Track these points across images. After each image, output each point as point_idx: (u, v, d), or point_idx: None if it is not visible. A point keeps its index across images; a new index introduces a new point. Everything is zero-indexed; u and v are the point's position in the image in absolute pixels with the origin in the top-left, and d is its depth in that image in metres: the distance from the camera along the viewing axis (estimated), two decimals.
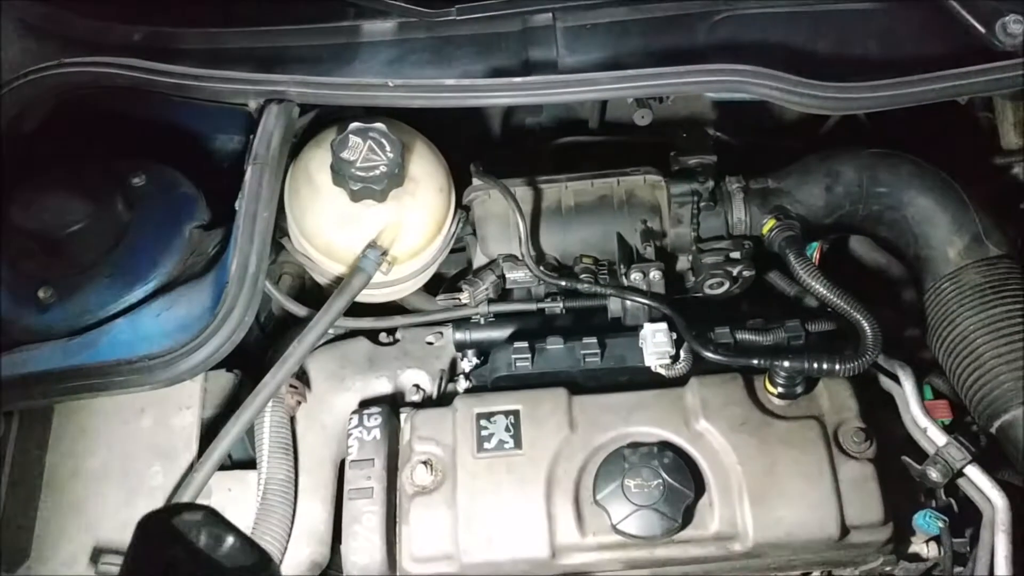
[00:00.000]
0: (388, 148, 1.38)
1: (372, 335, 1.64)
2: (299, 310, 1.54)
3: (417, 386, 1.61)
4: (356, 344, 1.63)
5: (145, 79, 1.47)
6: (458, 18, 1.45)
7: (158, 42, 1.52)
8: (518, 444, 1.40)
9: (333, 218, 1.44)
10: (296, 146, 1.50)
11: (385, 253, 1.42)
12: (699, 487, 1.35)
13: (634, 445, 1.37)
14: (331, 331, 1.60)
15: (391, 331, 1.65)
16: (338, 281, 1.50)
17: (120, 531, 1.39)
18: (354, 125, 1.38)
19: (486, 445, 1.41)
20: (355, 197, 1.40)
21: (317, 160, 1.45)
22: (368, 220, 1.43)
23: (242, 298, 1.31)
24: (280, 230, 1.54)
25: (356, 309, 1.57)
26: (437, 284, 1.72)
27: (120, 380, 1.32)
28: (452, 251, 1.66)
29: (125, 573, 0.84)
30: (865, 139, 1.65)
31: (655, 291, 1.50)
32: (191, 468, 1.41)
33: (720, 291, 1.54)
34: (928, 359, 1.50)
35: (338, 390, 1.58)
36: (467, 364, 1.58)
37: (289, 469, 1.47)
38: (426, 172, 1.48)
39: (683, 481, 1.33)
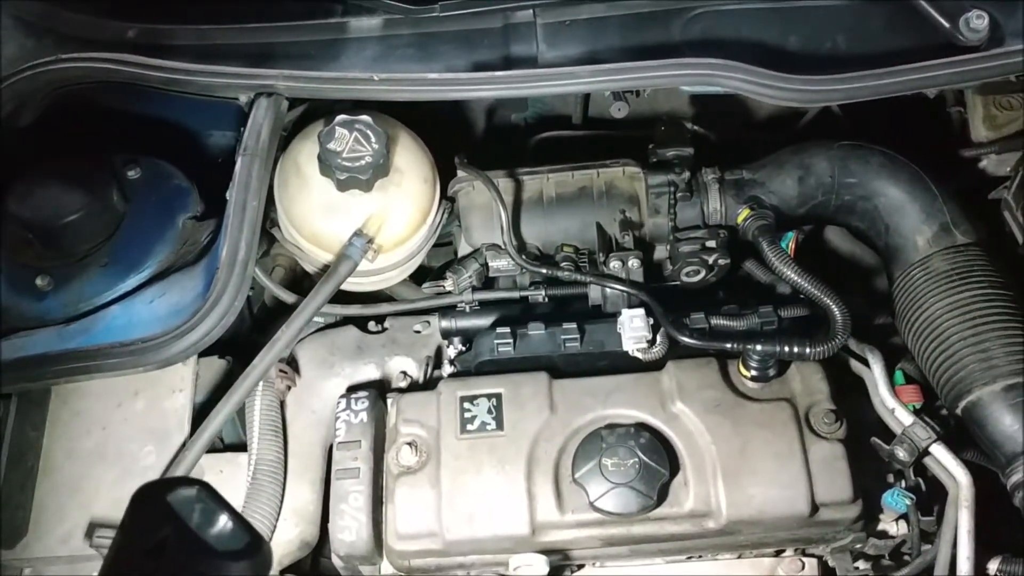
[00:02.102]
0: (373, 139, 1.43)
1: (361, 324, 1.69)
2: (289, 297, 1.58)
3: (404, 372, 1.66)
4: (345, 332, 1.68)
5: (139, 74, 1.52)
6: (441, 15, 1.50)
7: (151, 39, 1.57)
8: (500, 426, 1.44)
9: (320, 207, 1.49)
10: (285, 139, 1.55)
11: (371, 241, 1.47)
12: (674, 466, 1.39)
13: (611, 426, 1.41)
14: (320, 318, 1.65)
15: (380, 320, 1.69)
16: (327, 269, 1.54)
17: (114, 509, 1.44)
18: (340, 117, 1.43)
19: (469, 427, 1.45)
20: (341, 187, 1.45)
21: (305, 151, 1.50)
22: (354, 209, 1.48)
23: (232, 283, 1.35)
24: (270, 220, 1.59)
25: (345, 298, 1.63)
26: (425, 277, 1.76)
27: (114, 362, 1.37)
28: (439, 245, 1.72)
29: (116, 548, 0.84)
30: (841, 133, 1.70)
31: (633, 279, 1.54)
32: (183, 448, 1.45)
33: (696, 279, 1.58)
34: (900, 345, 1.55)
35: (327, 376, 1.63)
36: (452, 351, 1.63)
37: (279, 450, 1.51)
38: (411, 163, 1.53)
39: (658, 460, 1.37)
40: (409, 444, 1.45)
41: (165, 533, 0.79)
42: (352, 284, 1.57)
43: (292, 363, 1.62)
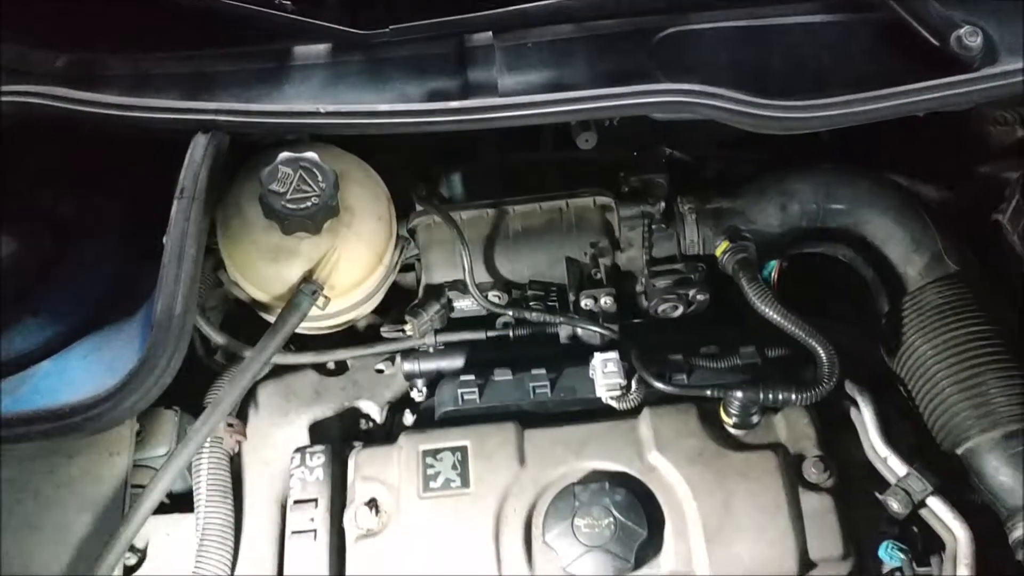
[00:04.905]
0: (320, 178, 1.31)
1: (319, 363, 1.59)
2: (236, 347, 1.47)
3: (367, 417, 1.57)
4: (302, 375, 1.58)
5: (69, 109, 1.40)
6: (393, 39, 1.38)
7: (82, 68, 1.44)
8: (465, 482, 1.35)
9: (265, 252, 1.37)
10: (227, 175, 1.43)
11: (321, 288, 1.36)
12: (653, 524, 1.29)
13: (585, 481, 1.32)
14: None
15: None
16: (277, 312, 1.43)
17: None
18: (283, 156, 1.31)
19: (432, 484, 1.36)
20: (287, 230, 1.33)
21: (247, 191, 1.38)
22: (302, 253, 1.37)
23: (168, 342, 1.24)
24: (217, 260, 1.48)
25: (300, 338, 1.52)
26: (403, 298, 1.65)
27: (44, 429, 1.25)
28: (405, 270, 1.61)
29: None
30: (828, 149, 1.59)
31: (606, 317, 1.44)
32: (122, 516, 1.34)
33: (675, 315, 1.48)
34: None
35: (281, 425, 1.54)
36: (417, 394, 1.53)
37: (228, 512, 1.42)
38: (363, 200, 1.42)
39: (635, 519, 1.28)
40: (368, 504, 1.35)
41: None
42: (305, 328, 1.47)
43: (243, 412, 1.52)
